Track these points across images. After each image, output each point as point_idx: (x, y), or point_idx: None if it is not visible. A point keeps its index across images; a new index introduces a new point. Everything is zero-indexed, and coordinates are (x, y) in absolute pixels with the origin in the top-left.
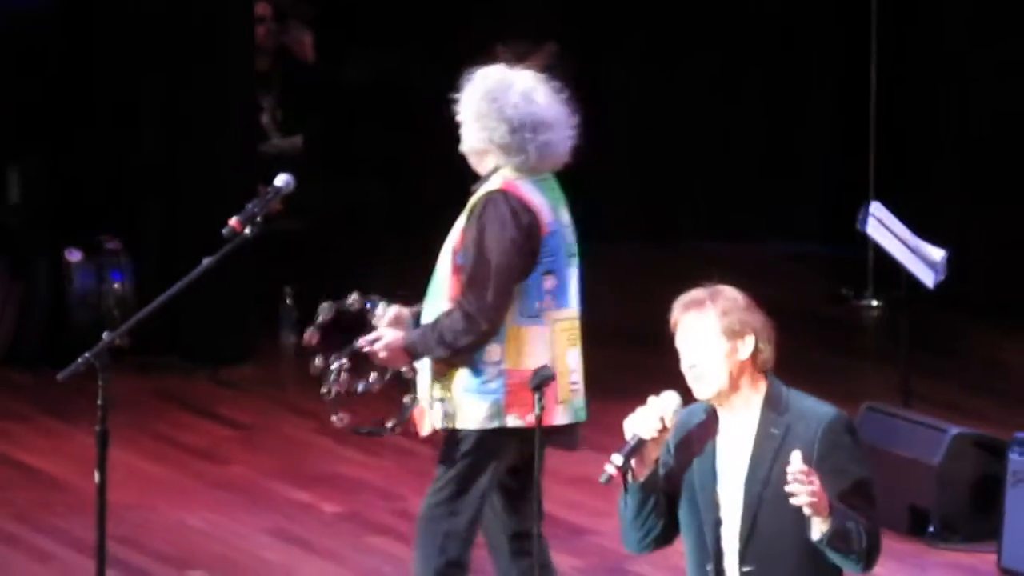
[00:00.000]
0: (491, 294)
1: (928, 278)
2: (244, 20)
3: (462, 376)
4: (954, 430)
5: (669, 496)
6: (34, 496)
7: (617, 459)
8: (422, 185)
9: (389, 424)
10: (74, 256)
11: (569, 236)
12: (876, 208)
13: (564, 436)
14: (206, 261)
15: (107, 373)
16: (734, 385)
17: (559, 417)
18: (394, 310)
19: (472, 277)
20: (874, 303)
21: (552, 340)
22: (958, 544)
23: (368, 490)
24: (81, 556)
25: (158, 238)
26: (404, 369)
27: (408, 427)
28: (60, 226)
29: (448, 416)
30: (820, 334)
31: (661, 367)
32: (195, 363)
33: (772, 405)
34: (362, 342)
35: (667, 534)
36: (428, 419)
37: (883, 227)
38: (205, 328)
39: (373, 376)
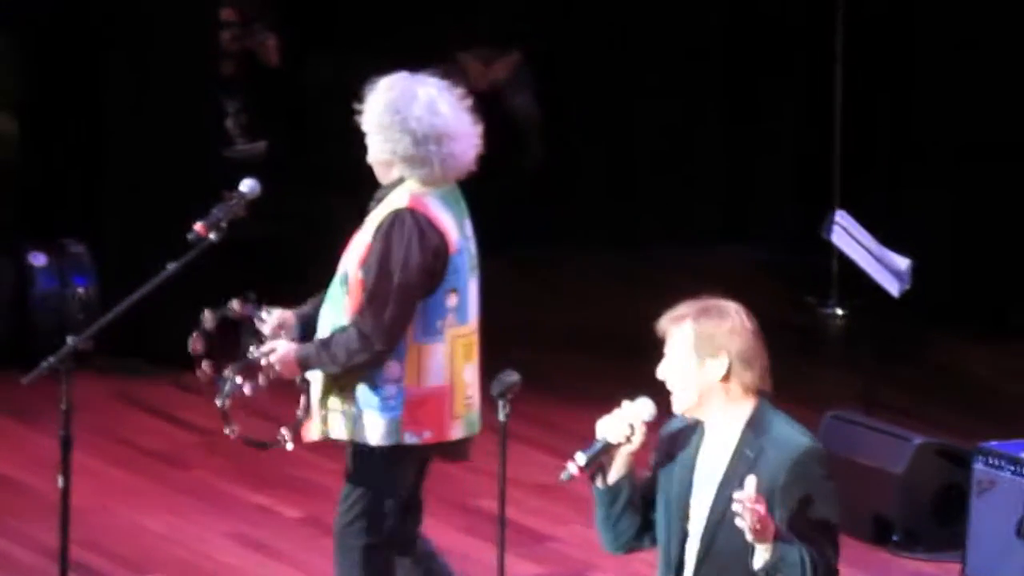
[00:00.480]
0: (389, 316)
1: (893, 286)
2: (209, 23)
3: (363, 391)
4: (918, 439)
5: (649, 501)
6: None
7: (580, 459)
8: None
9: (282, 436)
10: (37, 259)
11: (472, 249)
12: (841, 216)
13: (457, 448)
14: (171, 266)
15: (70, 377)
16: (703, 402)
17: (455, 431)
18: (277, 315)
19: (372, 296)
20: (838, 311)
21: (451, 356)
22: (922, 553)
23: (328, 494)
24: (43, 559)
25: (122, 241)
26: (296, 379)
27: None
28: (23, 229)
29: (348, 428)
30: (784, 341)
31: (617, 373)
32: (158, 367)
33: (752, 426)
34: (255, 354)
35: (643, 538)
36: (316, 427)
37: (848, 235)
38: (169, 332)
39: (261, 379)
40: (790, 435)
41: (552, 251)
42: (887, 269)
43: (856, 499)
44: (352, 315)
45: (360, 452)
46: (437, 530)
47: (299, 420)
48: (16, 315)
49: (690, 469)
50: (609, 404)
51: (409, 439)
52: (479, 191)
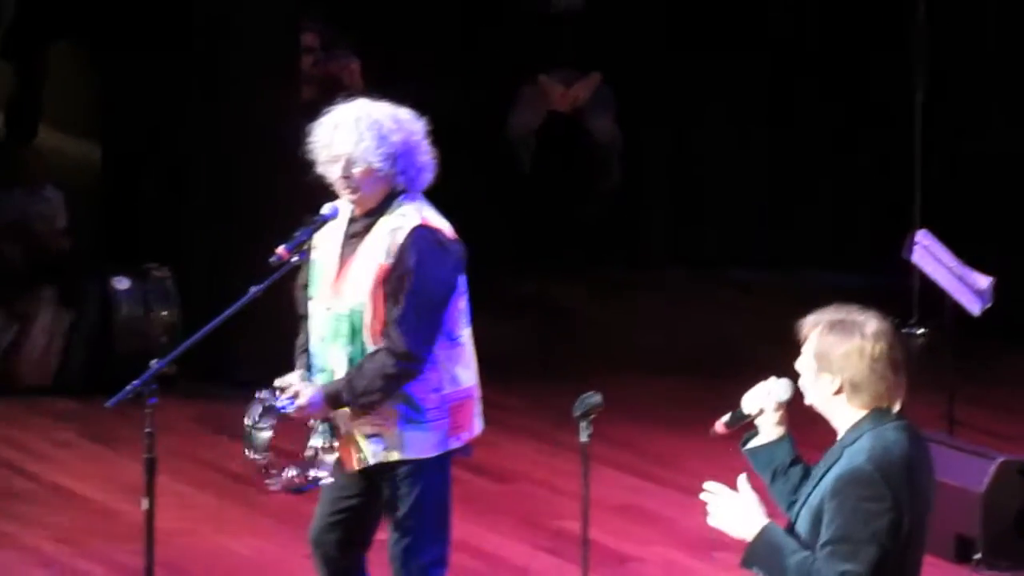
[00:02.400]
0: (423, 332)
1: (974, 306)
2: (291, 49)
3: (403, 408)
4: (1000, 457)
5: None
6: (79, 522)
7: (725, 419)
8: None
9: (320, 475)
10: (121, 283)
11: None
12: (922, 236)
13: (469, 446)
14: (253, 289)
15: (154, 401)
16: (824, 409)
17: (477, 428)
18: (296, 378)
19: (404, 318)
20: (919, 331)
21: (469, 355)
22: (1005, 571)
23: None
24: None
25: (205, 265)
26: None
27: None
28: (107, 254)
29: (392, 450)
30: None
31: (697, 395)
32: (241, 390)
33: (849, 434)
34: (281, 403)
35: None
36: (360, 455)
37: (929, 255)
38: (252, 356)
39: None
40: (859, 452)
41: (631, 273)
42: (968, 288)
43: (938, 518)
44: (377, 340)
45: (409, 470)
46: (520, 550)
47: (333, 454)
48: (100, 339)
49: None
50: (690, 425)
51: (453, 444)
52: (557, 213)
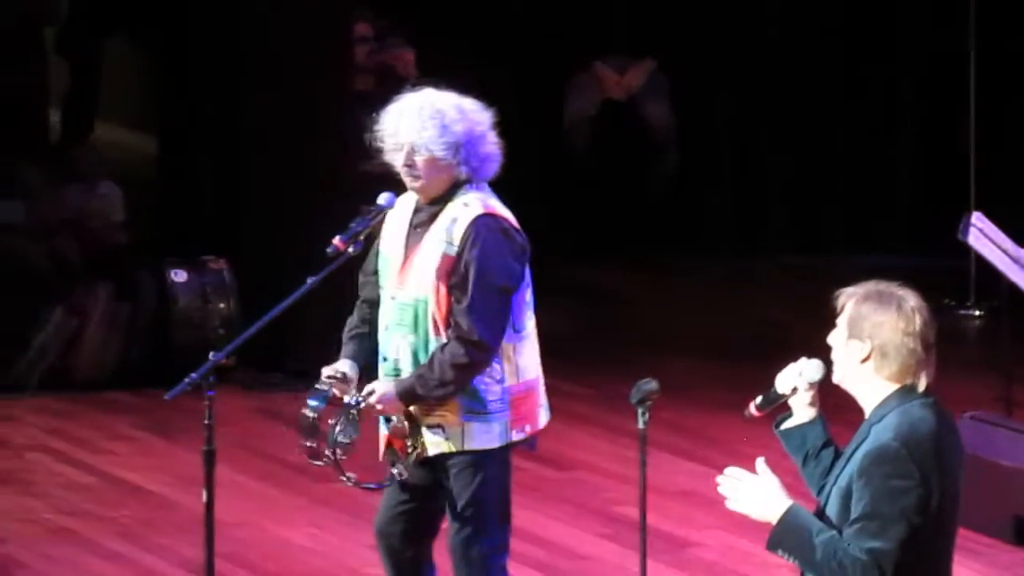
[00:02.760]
0: (495, 325)
1: None
2: (343, 39)
3: (466, 399)
4: None
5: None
6: (140, 515)
7: (758, 401)
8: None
9: (397, 471)
10: (179, 276)
11: None
12: (978, 219)
13: (534, 439)
14: (310, 280)
15: (213, 392)
16: (851, 379)
17: (542, 420)
18: (346, 366)
19: (472, 307)
20: (976, 312)
21: (534, 347)
22: None
23: None
24: (188, 574)
25: (261, 257)
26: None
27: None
28: (164, 246)
29: (455, 441)
30: None
31: (751, 379)
32: (299, 380)
33: (877, 411)
34: (355, 400)
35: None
36: (424, 446)
37: (984, 237)
38: (309, 346)
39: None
40: (887, 428)
41: (685, 258)
42: None
43: (996, 500)
44: (446, 332)
45: (471, 461)
46: (580, 538)
47: (412, 455)
48: (158, 331)
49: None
50: (743, 409)
51: (516, 436)
52: (612, 199)
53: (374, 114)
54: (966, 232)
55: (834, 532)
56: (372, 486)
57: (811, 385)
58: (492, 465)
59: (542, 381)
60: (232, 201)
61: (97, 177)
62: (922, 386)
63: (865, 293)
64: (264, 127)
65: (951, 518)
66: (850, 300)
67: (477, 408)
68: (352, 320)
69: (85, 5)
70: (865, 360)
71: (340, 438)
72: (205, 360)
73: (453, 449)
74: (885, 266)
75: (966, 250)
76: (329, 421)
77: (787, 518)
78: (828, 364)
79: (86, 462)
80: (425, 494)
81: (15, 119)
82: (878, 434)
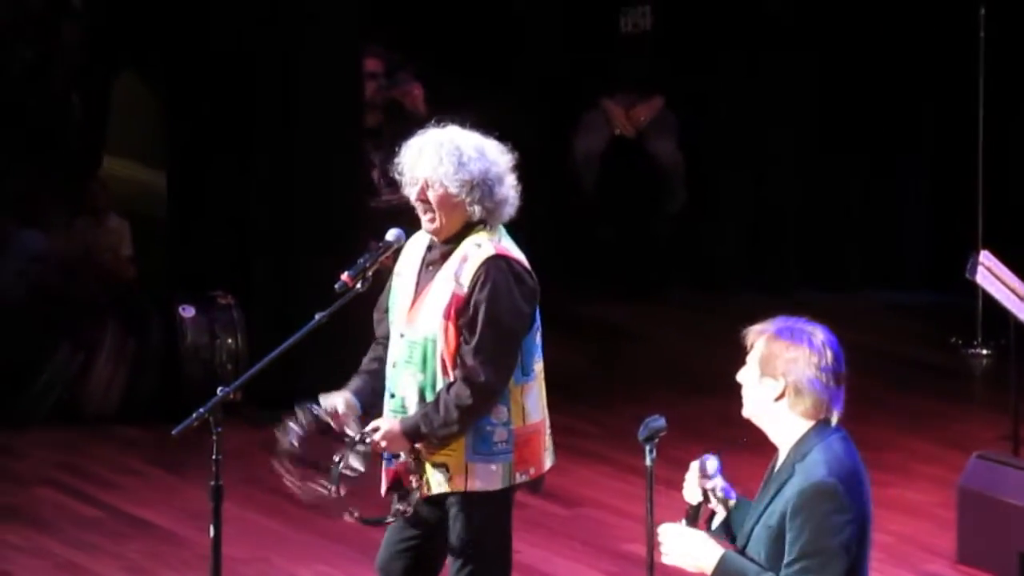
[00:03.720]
0: (501, 368)
1: None
2: (354, 75)
3: (472, 440)
4: None
5: None
6: (148, 550)
7: (683, 523)
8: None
9: (400, 507)
10: (187, 311)
11: None
12: (985, 257)
13: (537, 481)
14: (318, 315)
15: (220, 428)
16: (762, 415)
17: (547, 463)
18: (342, 400)
19: (480, 349)
20: (984, 351)
21: (540, 390)
22: None
23: None
24: None
25: (270, 292)
26: (403, 454)
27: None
28: (173, 282)
29: (458, 480)
30: (929, 382)
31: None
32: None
33: (796, 449)
34: (360, 436)
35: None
36: (427, 484)
37: (992, 275)
38: (317, 382)
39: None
40: (815, 464)
41: (696, 295)
42: None
43: (1003, 538)
44: (454, 371)
45: (472, 502)
46: (586, 575)
47: (414, 492)
48: (166, 367)
49: (764, 484)
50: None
51: (520, 478)
52: (621, 236)
53: (383, 150)
54: (974, 270)
55: (771, 573)
56: (375, 521)
57: (714, 482)
58: (494, 506)
59: (548, 424)
60: (241, 237)
61: (106, 211)
62: (835, 420)
63: (776, 330)
64: (273, 163)
65: (868, 547)
66: (760, 338)
67: (482, 449)
68: (366, 357)
69: (96, 39)
70: (779, 398)
71: (348, 472)
72: (213, 395)
73: (456, 489)
74: (896, 303)
75: (974, 288)
76: (334, 457)
77: (723, 566)
78: (717, 454)
79: (94, 496)
80: (428, 532)
81: (39, 150)
82: (808, 471)
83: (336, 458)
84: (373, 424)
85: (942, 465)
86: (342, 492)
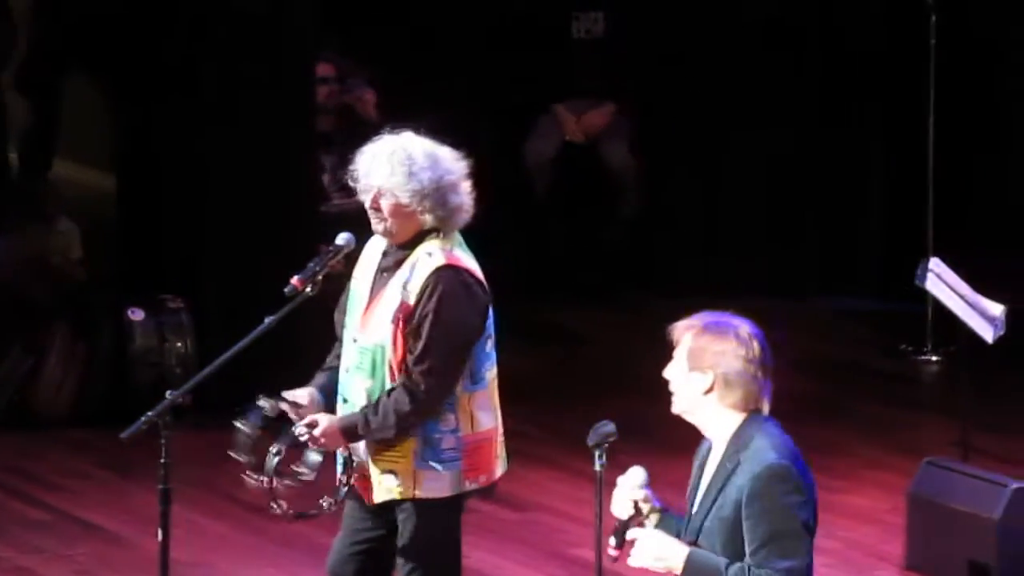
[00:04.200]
0: (443, 379)
1: (987, 333)
2: (306, 79)
3: (420, 447)
4: (1014, 484)
5: None
6: (96, 553)
7: (612, 541)
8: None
9: (325, 504)
10: (136, 315)
11: None
12: (935, 264)
13: (492, 488)
14: (268, 320)
15: (169, 431)
16: (693, 410)
17: (498, 471)
18: (306, 394)
19: (422, 358)
20: (933, 358)
21: (493, 398)
22: None
23: None
24: None
25: (219, 296)
26: (340, 450)
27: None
28: (123, 286)
29: (406, 487)
30: (879, 389)
31: None
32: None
33: (735, 441)
34: (298, 430)
35: None
36: (374, 489)
37: (942, 282)
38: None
39: (313, 462)
40: (761, 450)
41: (646, 299)
42: (981, 315)
43: (953, 545)
44: (399, 376)
45: (421, 509)
46: None
47: (341, 488)
48: (115, 371)
49: (698, 480)
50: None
51: (469, 486)
52: (573, 241)
53: (334, 155)
54: (924, 277)
55: (741, 564)
56: (302, 515)
57: (644, 494)
58: (442, 513)
59: (500, 432)
60: (191, 240)
61: (55, 214)
62: (766, 410)
63: (702, 325)
64: (224, 167)
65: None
66: (687, 332)
67: (430, 456)
68: (330, 355)
69: (45, 41)
70: (708, 391)
71: (304, 471)
72: (162, 399)
73: (405, 496)
74: (846, 310)
75: (924, 295)
76: (271, 449)
77: (692, 562)
78: (643, 467)
79: (43, 500)
80: (379, 538)
81: None
82: (756, 457)
83: (272, 450)
84: (311, 418)
85: (891, 471)
86: (274, 484)
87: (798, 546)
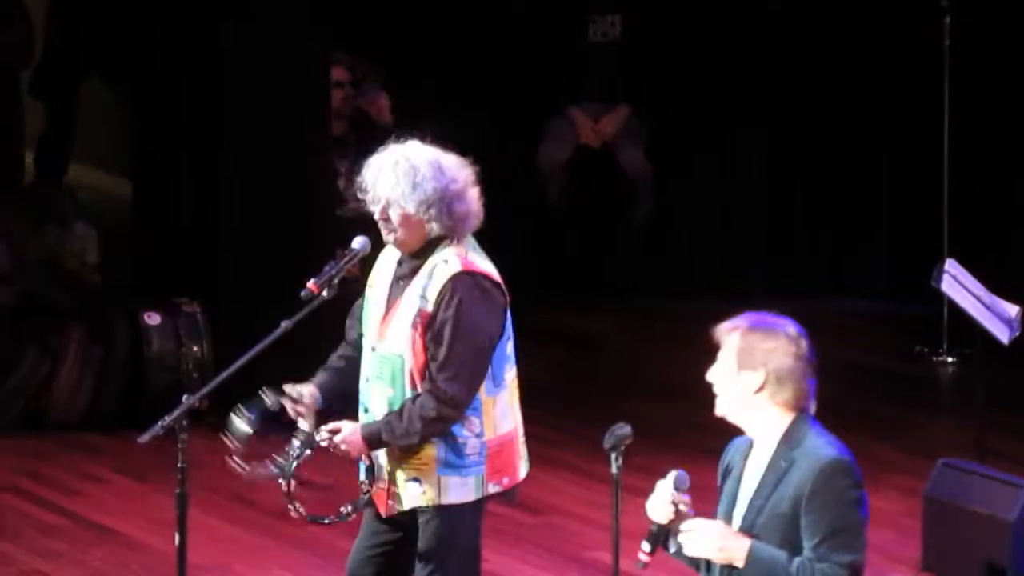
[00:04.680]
0: (467, 384)
1: (1003, 334)
2: (321, 84)
3: (444, 453)
4: None
5: None
6: (112, 557)
7: (645, 547)
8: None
9: (345, 510)
10: (153, 319)
11: None
12: (951, 265)
13: (515, 491)
14: (284, 323)
15: (186, 435)
16: (741, 410)
17: (521, 472)
18: (307, 391)
19: (445, 365)
20: (949, 359)
21: (512, 400)
22: None
23: None
24: None
25: (235, 300)
26: (363, 458)
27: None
28: (139, 289)
29: (430, 494)
30: (895, 391)
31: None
32: (273, 424)
33: (787, 439)
34: (319, 436)
35: None
36: (397, 498)
37: (958, 284)
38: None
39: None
40: (819, 447)
41: (660, 302)
42: (997, 317)
43: (968, 546)
44: (420, 383)
45: (444, 514)
46: None
47: (364, 496)
48: (131, 375)
49: (737, 481)
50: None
51: (492, 489)
52: (588, 245)
53: (349, 159)
54: (940, 279)
55: (802, 558)
56: (318, 519)
57: (681, 499)
58: (464, 517)
59: (521, 432)
60: (207, 244)
61: (71, 218)
62: (812, 409)
63: (749, 324)
64: (239, 171)
65: None
66: (733, 333)
67: (454, 461)
68: (334, 355)
69: (61, 47)
70: (760, 389)
71: (292, 468)
72: (178, 403)
73: (429, 503)
74: (861, 311)
75: (940, 297)
76: (287, 449)
77: (755, 554)
78: (684, 471)
79: (59, 504)
80: (399, 540)
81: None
82: (816, 454)
83: (292, 453)
84: (333, 425)
85: (907, 473)
86: (291, 486)
87: (858, 541)
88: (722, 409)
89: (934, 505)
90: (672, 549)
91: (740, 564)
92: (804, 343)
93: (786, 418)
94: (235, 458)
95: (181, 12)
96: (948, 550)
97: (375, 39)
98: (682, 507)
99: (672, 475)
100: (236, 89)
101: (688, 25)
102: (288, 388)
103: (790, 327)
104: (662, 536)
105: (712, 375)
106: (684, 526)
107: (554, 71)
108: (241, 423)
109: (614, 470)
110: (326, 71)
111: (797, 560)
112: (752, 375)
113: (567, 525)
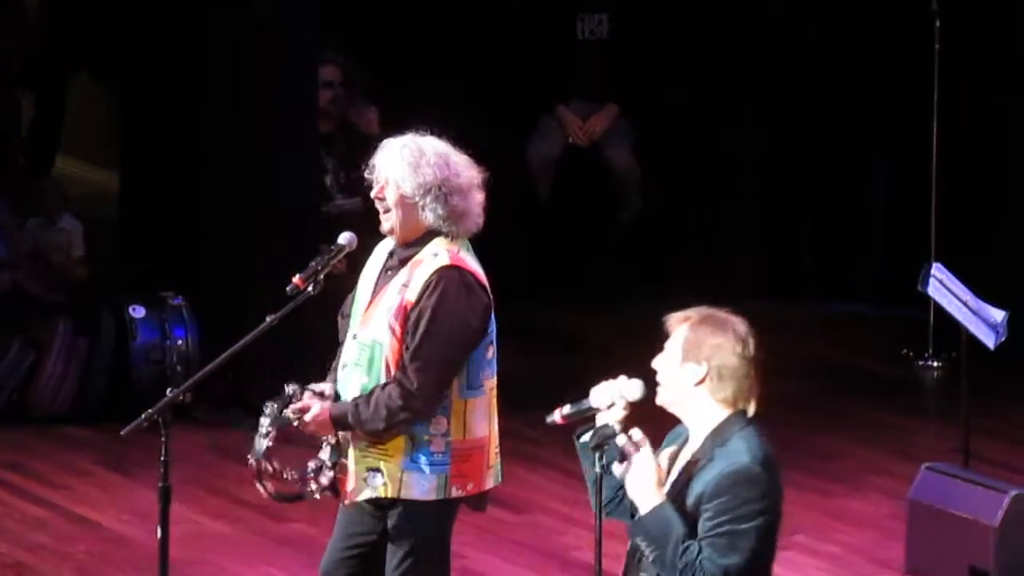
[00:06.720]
0: (437, 377)
1: (989, 339)
2: (307, 77)
3: (409, 447)
4: (1014, 491)
5: None
6: (95, 550)
7: (566, 410)
8: None
9: (312, 488)
10: (138, 312)
11: None
12: (938, 269)
13: (483, 499)
14: (269, 318)
15: (169, 429)
16: (680, 402)
17: (488, 481)
18: (330, 388)
19: (419, 356)
20: (935, 364)
21: (489, 408)
22: None
23: None
24: None
25: (221, 294)
26: (329, 438)
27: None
28: (123, 282)
29: (393, 486)
30: (880, 394)
31: None
32: (257, 418)
33: (715, 436)
34: (289, 415)
35: (616, 513)
36: (357, 486)
37: (944, 288)
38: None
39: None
40: (738, 452)
41: (647, 301)
42: (983, 321)
43: (952, 551)
44: (394, 372)
45: (407, 510)
46: None
47: (328, 469)
48: (116, 367)
49: (669, 463)
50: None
51: (456, 492)
52: (575, 243)
53: (335, 156)
54: (926, 283)
55: (693, 542)
56: (288, 498)
57: (628, 404)
58: (430, 518)
59: (495, 443)
60: (193, 238)
61: (58, 211)
62: (751, 411)
63: (699, 317)
64: (226, 165)
65: (776, 540)
66: (683, 324)
67: (417, 458)
68: (334, 363)
69: (52, 40)
70: (700, 382)
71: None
72: (163, 396)
73: (389, 495)
74: (848, 315)
75: (926, 301)
76: (259, 430)
77: (662, 510)
78: (645, 385)
79: (42, 496)
80: (372, 540)
81: None
82: (730, 456)
83: (262, 431)
84: (303, 403)
85: (892, 476)
86: (262, 465)
87: (741, 547)
88: (663, 398)
89: (918, 509)
90: (596, 453)
91: (644, 511)
92: (752, 343)
93: (721, 414)
94: (263, 476)
95: (169, 6)
96: (932, 554)
97: (364, 38)
98: (619, 409)
99: (636, 383)
100: (222, 83)
101: (676, 23)
102: (313, 387)
103: (740, 325)
104: (584, 414)
105: (657, 363)
106: (640, 452)
107: (542, 69)
108: (260, 441)
109: (597, 469)
110: (315, 67)
111: (689, 543)
112: (695, 368)
113: (550, 524)
